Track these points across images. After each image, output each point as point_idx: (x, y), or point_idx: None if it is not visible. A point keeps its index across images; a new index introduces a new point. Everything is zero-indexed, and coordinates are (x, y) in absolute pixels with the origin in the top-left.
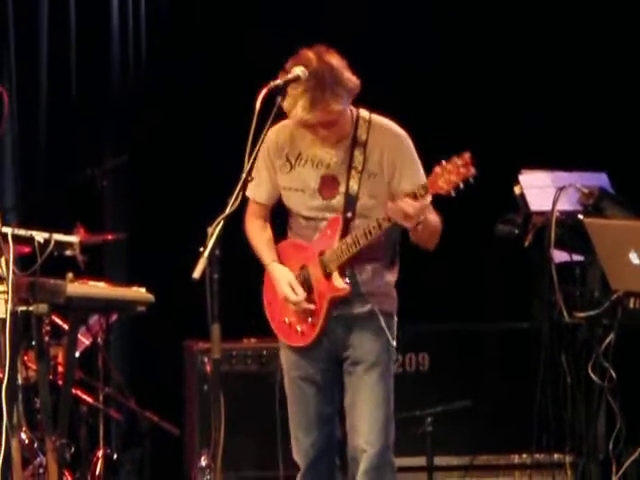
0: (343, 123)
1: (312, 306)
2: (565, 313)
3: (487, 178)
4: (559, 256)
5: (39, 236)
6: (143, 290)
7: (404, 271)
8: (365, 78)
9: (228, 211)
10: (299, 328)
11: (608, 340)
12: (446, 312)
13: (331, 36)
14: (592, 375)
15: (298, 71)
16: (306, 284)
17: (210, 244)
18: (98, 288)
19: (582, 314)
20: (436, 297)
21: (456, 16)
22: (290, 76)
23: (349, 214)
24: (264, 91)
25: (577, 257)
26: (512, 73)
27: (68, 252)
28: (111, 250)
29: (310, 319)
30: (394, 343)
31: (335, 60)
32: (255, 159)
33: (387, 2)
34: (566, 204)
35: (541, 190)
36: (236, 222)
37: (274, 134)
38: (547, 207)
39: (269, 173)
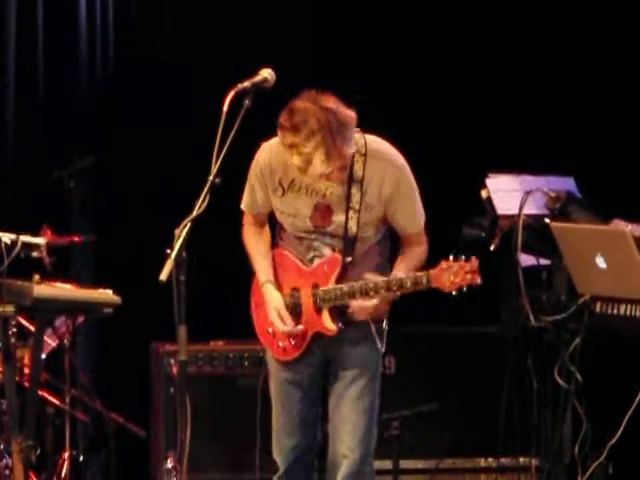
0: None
1: (300, 328)
2: (532, 317)
3: (454, 181)
4: (526, 260)
5: (6, 237)
6: (110, 292)
7: None
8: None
9: (195, 213)
10: (281, 344)
11: (574, 344)
12: (413, 315)
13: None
14: (558, 379)
15: (265, 73)
16: (296, 308)
17: (177, 246)
18: (65, 290)
19: (549, 318)
20: (403, 300)
21: (424, 18)
22: (257, 78)
23: (348, 259)
24: (232, 94)
25: (544, 261)
26: (480, 76)
27: (35, 254)
28: (78, 252)
29: (294, 342)
30: (382, 349)
31: (331, 102)
32: (222, 161)
33: None
34: (533, 208)
35: (508, 194)
36: (203, 224)
37: (267, 156)
38: (514, 211)
39: (264, 192)
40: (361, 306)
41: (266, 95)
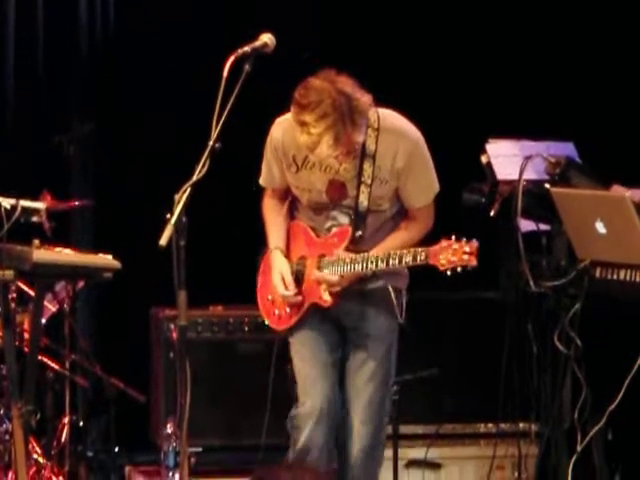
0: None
1: (299, 298)
2: (531, 282)
3: (454, 146)
4: (525, 225)
5: (5, 202)
6: (110, 257)
7: None
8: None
9: (195, 178)
10: (277, 312)
11: (574, 309)
12: (412, 281)
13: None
14: (558, 344)
15: (265, 38)
16: (299, 276)
17: (177, 211)
18: (64, 255)
19: (548, 283)
20: None
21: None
22: (257, 43)
23: (358, 233)
24: (232, 59)
25: (543, 226)
26: (481, 44)
27: (34, 219)
28: (78, 217)
29: (289, 309)
30: (402, 320)
31: (349, 87)
32: (222, 126)
33: None
34: (533, 173)
35: (508, 159)
36: (203, 190)
37: (280, 132)
38: (514, 176)
39: (279, 167)
40: (323, 278)
41: (266, 60)
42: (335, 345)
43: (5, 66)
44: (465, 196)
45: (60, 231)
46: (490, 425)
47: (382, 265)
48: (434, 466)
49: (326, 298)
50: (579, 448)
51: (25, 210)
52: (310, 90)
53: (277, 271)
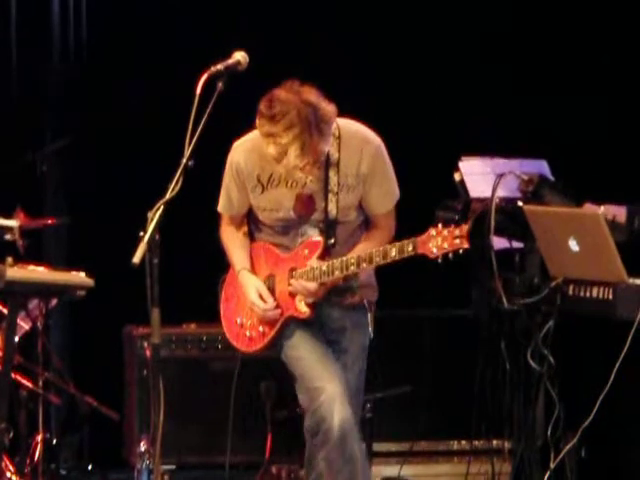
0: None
1: (278, 311)
2: (504, 300)
3: (427, 164)
4: (498, 243)
5: None
6: (83, 275)
7: None
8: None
9: (168, 196)
10: (248, 333)
11: (547, 327)
12: (385, 298)
13: None
14: (531, 362)
15: (238, 56)
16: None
17: (150, 229)
18: (38, 272)
19: (521, 301)
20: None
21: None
22: (230, 61)
23: (330, 241)
24: (205, 76)
25: (516, 244)
26: (453, 61)
27: (8, 236)
28: (51, 235)
29: (261, 328)
30: (372, 334)
31: (313, 97)
32: (195, 144)
33: None
34: (506, 191)
35: (481, 177)
36: (176, 207)
37: (241, 155)
38: (487, 194)
39: (239, 192)
40: (302, 287)
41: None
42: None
43: None
44: (438, 214)
45: (33, 249)
46: (463, 442)
47: (365, 265)
48: None
49: (303, 310)
50: (552, 465)
51: None
52: (275, 102)
53: (252, 289)
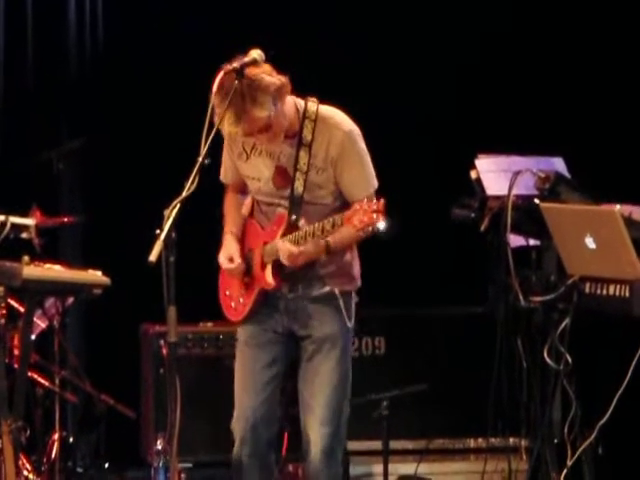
0: (279, 123)
1: (242, 266)
2: (521, 297)
3: (443, 162)
4: (515, 240)
5: None
6: (99, 273)
7: (361, 257)
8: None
9: (185, 194)
10: (233, 304)
11: (564, 324)
12: (403, 296)
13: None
14: (547, 359)
15: (255, 54)
16: (248, 266)
17: (166, 227)
18: (54, 271)
19: (538, 298)
20: (393, 281)
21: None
22: (246, 59)
23: (294, 216)
24: (221, 74)
25: (533, 241)
26: (472, 57)
27: (24, 235)
28: (67, 233)
29: (242, 299)
30: (351, 324)
31: (254, 69)
32: (211, 142)
33: None
34: (522, 188)
35: (497, 174)
36: (193, 205)
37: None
38: (503, 191)
39: (231, 158)
40: (286, 249)
41: None
42: (275, 361)
43: None
44: (455, 211)
45: (50, 247)
46: (480, 440)
47: (310, 238)
48: None
49: (269, 280)
50: (569, 463)
51: (15, 226)
52: (217, 77)
53: (224, 251)
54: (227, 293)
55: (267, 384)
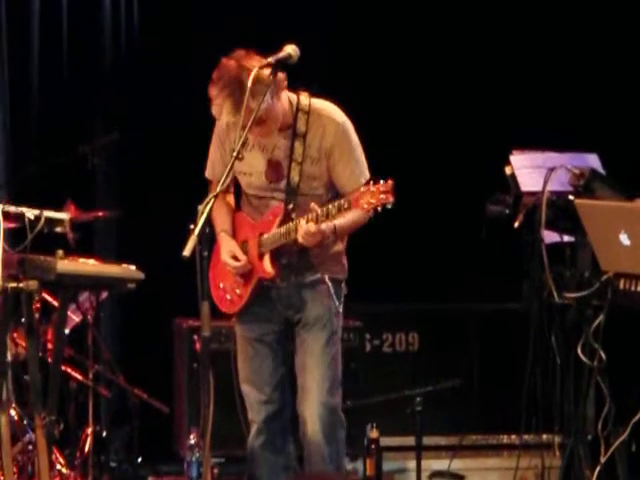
0: (275, 117)
1: (249, 266)
2: (555, 294)
3: (478, 158)
4: (549, 237)
5: (30, 213)
6: (133, 267)
7: (396, 253)
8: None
9: (219, 189)
10: (228, 297)
11: (598, 321)
12: (436, 292)
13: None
14: (581, 356)
15: (289, 49)
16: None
17: (200, 222)
18: (88, 265)
19: (572, 295)
20: (427, 277)
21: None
22: (281, 55)
23: (290, 206)
24: (255, 69)
25: (567, 238)
26: (503, 53)
27: (58, 229)
28: (101, 227)
29: (238, 290)
30: (340, 309)
31: (254, 61)
32: (246, 137)
33: None
34: (557, 185)
35: (532, 171)
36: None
37: (226, 119)
38: (538, 188)
39: (220, 154)
40: (305, 230)
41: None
42: (276, 349)
43: (30, 77)
44: (489, 207)
45: (84, 241)
46: (513, 436)
47: (312, 224)
48: (457, 477)
49: (268, 269)
50: (602, 460)
51: (49, 221)
52: (218, 68)
53: (225, 250)
54: (221, 286)
55: (272, 376)
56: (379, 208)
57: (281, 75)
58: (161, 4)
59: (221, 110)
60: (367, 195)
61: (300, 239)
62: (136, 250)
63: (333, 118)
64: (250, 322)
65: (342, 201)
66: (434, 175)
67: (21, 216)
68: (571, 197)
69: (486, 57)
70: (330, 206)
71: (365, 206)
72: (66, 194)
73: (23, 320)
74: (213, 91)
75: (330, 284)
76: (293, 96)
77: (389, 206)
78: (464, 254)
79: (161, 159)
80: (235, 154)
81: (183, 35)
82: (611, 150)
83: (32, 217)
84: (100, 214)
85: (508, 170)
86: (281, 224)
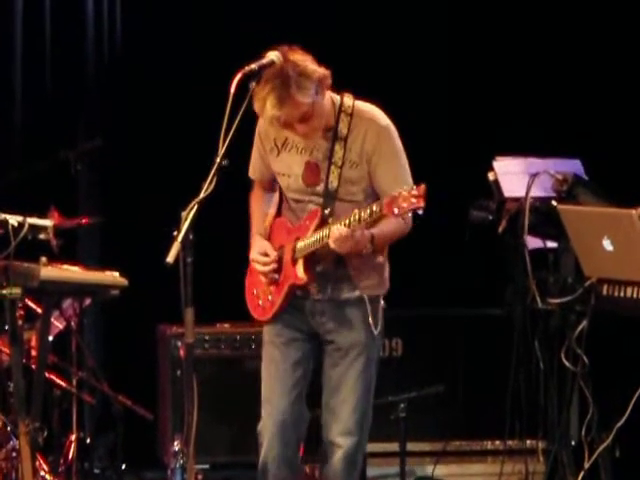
0: (320, 115)
1: (276, 276)
2: (538, 299)
3: (461, 164)
4: (533, 242)
5: (13, 219)
6: (116, 274)
7: None
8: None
9: (202, 195)
10: (261, 302)
11: (581, 326)
12: (420, 297)
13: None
14: (565, 361)
15: (272, 56)
16: (279, 263)
17: (184, 228)
18: (72, 272)
19: (555, 300)
20: (410, 282)
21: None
22: (264, 61)
23: (327, 210)
24: (239, 76)
25: (551, 243)
26: (486, 59)
27: (42, 236)
28: (85, 234)
29: (270, 297)
30: (377, 332)
31: (298, 55)
32: (229, 143)
33: None
34: (540, 190)
35: (515, 176)
36: (210, 206)
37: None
38: (521, 193)
39: (260, 154)
40: (337, 234)
41: None
42: (302, 359)
43: (12, 82)
44: (472, 213)
45: (67, 248)
46: (497, 442)
47: (344, 229)
48: None
49: (300, 275)
50: (586, 465)
51: (32, 227)
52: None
53: (256, 248)
54: (254, 292)
55: (295, 385)
56: (410, 213)
57: (326, 72)
58: (144, 10)
59: (264, 105)
60: (399, 199)
61: (331, 244)
62: (119, 256)
63: (376, 121)
64: (279, 328)
65: (374, 205)
66: (416, 180)
67: (4, 223)
68: (554, 203)
69: (470, 64)
70: (362, 211)
71: (396, 211)
72: (49, 200)
73: (6, 327)
74: (254, 87)
75: (368, 305)
76: (336, 97)
77: (420, 212)
78: (447, 260)
79: (144, 165)
80: (218, 159)
81: (166, 41)
82: (594, 156)
83: (15, 224)
84: (83, 221)
85: (491, 176)
86: (317, 229)
